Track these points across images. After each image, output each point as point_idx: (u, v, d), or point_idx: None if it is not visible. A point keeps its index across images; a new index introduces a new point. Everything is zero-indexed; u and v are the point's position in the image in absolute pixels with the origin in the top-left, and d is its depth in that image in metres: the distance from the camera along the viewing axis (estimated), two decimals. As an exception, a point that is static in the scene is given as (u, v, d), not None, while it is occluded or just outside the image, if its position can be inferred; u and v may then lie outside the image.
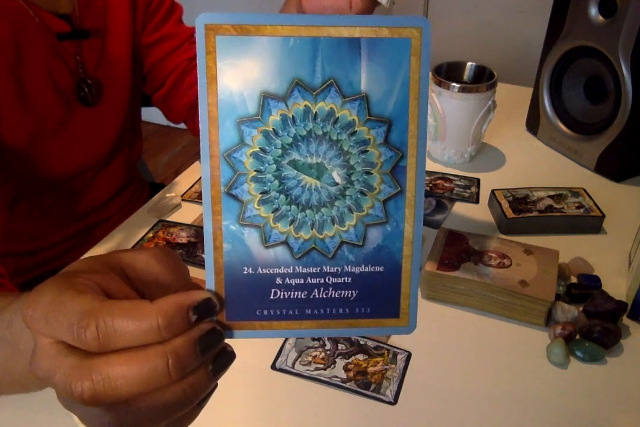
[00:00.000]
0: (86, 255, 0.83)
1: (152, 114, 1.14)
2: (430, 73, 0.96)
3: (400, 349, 0.67)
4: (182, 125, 1.02)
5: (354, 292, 0.33)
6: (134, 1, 0.86)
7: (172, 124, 1.07)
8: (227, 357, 0.32)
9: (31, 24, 0.74)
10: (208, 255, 0.32)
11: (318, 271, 0.33)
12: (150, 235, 0.85)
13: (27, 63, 0.74)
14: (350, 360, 0.65)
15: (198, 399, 0.31)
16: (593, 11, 0.92)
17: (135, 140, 0.99)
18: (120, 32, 0.85)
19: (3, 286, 0.64)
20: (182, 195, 0.94)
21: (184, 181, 0.98)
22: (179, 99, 0.96)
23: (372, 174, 0.33)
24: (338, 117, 0.32)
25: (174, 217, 0.89)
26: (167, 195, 0.93)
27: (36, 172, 0.80)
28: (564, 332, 0.67)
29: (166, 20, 0.92)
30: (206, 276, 0.32)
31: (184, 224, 0.87)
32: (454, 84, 0.93)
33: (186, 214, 0.90)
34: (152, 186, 1.11)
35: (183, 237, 0.84)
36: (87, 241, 0.91)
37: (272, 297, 0.33)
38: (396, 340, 0.68)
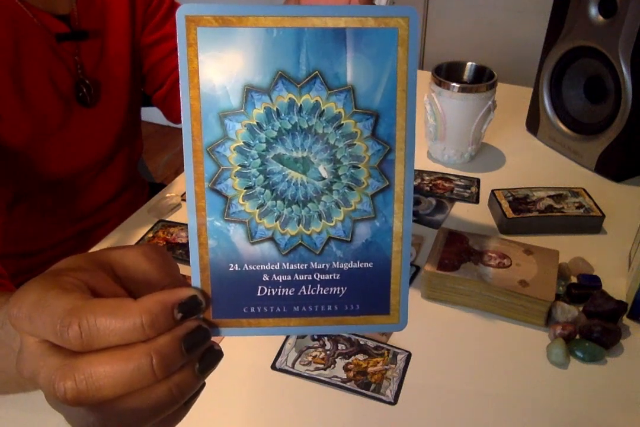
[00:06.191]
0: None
1: (152, 114, 1.14)
2: (430, 73, 0.96)
3: (400, 349, 0.67)
4: (182, 126, 1.02)
5: (342, 288, 0.33)
6: (132, 1, 0.86)
7: (172, 124, 1.07)
8: (214, 355, 0.32)
9: (30, 25, 0.75)
10: (193, 252, 0.32)
11: (305, 267, 0.32)
12: (150, 235, 0.85)
13: (27, 64, 0.74)
14: (350, 360, 0.65)
15: (184, 398, 0.31)
16: (593, 11, 0.92)
17: (135, 140, 0.99)
18: (119, 33, 0.85)
19: (3, 286, 0.64)
20: (182, 196, 0.94)
21: (184, 181, 0.98)
22: (179, 99, 0.96)
23: (359, 168, 0.32)
24: (324, 110, 0.31)
25: (174, 217, 0.89)
26: (167, 195, 0.93)
27: (36, 172, 0.80)
28: (564, 332, 0.67)
29: (166, 20, 0.92)
30: (191, 273, 0.32)
31: (184, 224, 0.87)
32: (454, 84, 0.93)
33: (186, 214, 0.90)
34: (152, 186, 1.11)
35: (183, 237, 0.84)
36: (89, 241, 0.91)
37: (259, 294, 0.32)
38: (396, 340, 0.68)
